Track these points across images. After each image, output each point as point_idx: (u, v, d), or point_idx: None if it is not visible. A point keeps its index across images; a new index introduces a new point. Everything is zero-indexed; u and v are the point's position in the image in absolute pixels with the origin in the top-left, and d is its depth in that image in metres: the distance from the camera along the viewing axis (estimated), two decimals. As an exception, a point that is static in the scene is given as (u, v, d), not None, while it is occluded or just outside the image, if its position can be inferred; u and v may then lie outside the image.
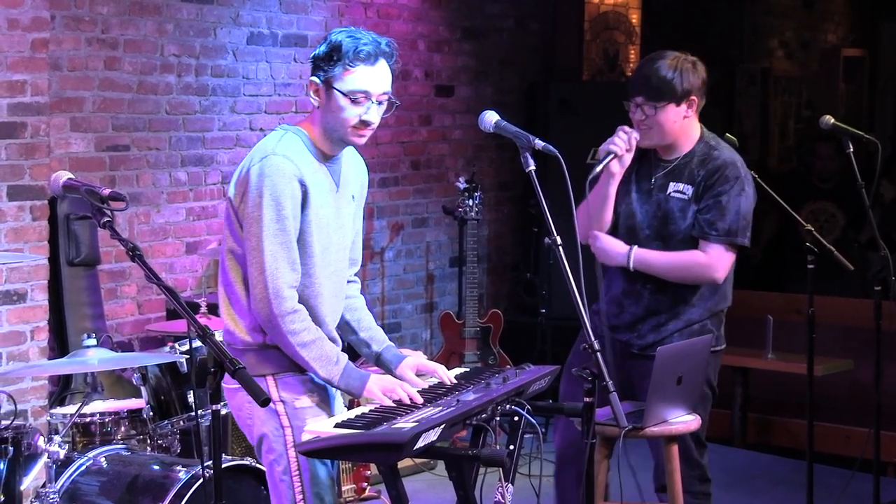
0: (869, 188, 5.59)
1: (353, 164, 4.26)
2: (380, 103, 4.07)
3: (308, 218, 4.04)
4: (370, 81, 4.03)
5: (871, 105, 12.97)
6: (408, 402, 4.04)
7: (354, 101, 4.02)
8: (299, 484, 4.05)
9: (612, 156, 5.02)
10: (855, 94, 12.83)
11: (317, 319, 4.10)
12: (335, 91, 4.02)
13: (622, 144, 5.02)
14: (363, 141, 4.11)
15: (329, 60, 4.01)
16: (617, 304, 5.20)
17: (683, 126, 5.08)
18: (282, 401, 4.06)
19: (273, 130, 4.16)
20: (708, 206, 5.04)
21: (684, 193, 5.08)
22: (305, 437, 3.88)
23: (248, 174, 4.00)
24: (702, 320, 5.18)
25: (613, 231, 5.16)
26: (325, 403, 4.15)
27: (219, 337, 4.60)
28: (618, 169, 5.05)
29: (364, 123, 4.06)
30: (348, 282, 4.37)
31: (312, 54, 4.09)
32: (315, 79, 4.05)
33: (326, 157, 4.12)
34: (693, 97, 5.05)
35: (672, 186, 5.10)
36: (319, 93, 4.06)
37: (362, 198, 4.35)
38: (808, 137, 11.33)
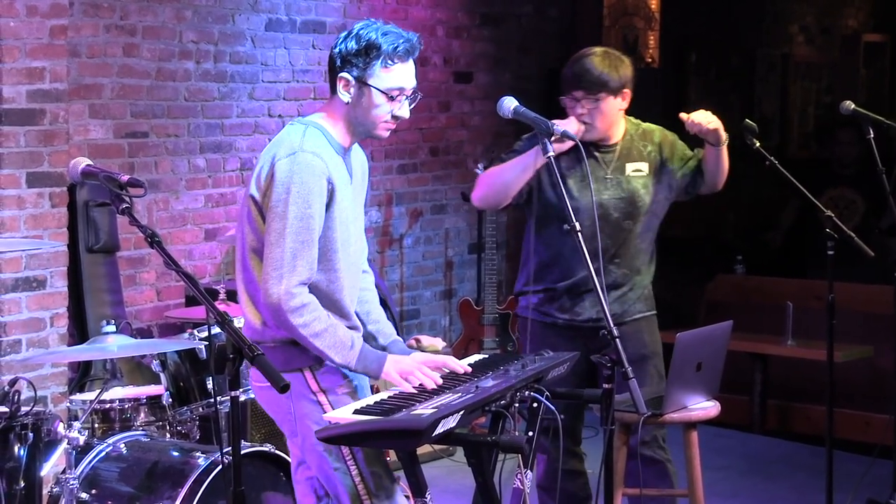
0: (890, 174, 5.57)
1: (356, 153, 4.28)
2: (408, 97, 4.11)
3: (333, 215, 4.04)
4: (406, 78, 4.09)
5: (892, 90, 12.91)
6: (427, 384, 4.04)
7: (391, 98, 4.06)
8: (355, 467, 4.05)
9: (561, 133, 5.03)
10: (876, 80, 12.78)
11: (341, 312, 4.10)
12: (371, 88, 4.04)
13: (576, 128, 5.09)
14: (388, 134, 4.16)
15: (365, 57, 4.02)
16: (582, 285, 5.21)
17: (617, 118, 5.24)
18: (323, 391, 4.06)
19: (290, 124, 4.14)
20: (683, 161, 5.29)
21: (641, 171, 5.26)
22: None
23: (274, 169, 3.98)
24: (650, 285, 5.39)
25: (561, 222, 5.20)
26: (362, 386, 4.17)
27: (238, 324, 4.62)
28: (542, 162, 5.07)
29: (396, 118, 4.11)
30: (363, 272, 4.37)
31: (339, 50, 4.06)
32: (346, 75, 4.05)
33: (343, 150, 4.13)
34: (626, 90, 5.20)
35: (629, 167, 5.26)
36: (350, 88, 4.06)
37: (366, 185, 4.36)
38: (828, 123, 11.29)
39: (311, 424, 4.05)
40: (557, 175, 4.28)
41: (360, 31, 4.05)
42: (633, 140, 5.29)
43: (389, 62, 4.03)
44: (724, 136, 5.16)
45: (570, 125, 5.07)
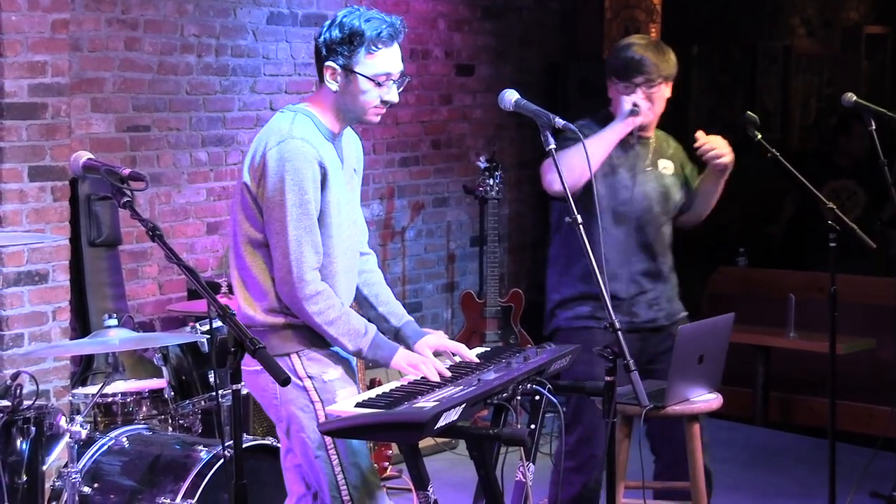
0: (891, 166, 5.57)
1: (349, 139, 4.30)
2: (396, 82, 4.11)
3: (327, 199, 4.07)
4: (392, 63, 4.10)
5: (894, 83, 12.89)
6: (434, 377, 4.06)
7: (378, 84, 4.07)
8: (336, 457, 4.08)
9: (637, 109, 5.09)
10: (877, 72, 12.76)
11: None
12: (358, 75, 4.06)
13: (644, 105, 5.12)
14: (379, 119, 4.17)
15: (349, 45, 4.05)
16: (636, 285, 5.23)
17: (663, 108, 5.27)
18: (309, 377, 4.09)
19: (280, 111, 4.18)
20: (692, 176, 5.41)
21: (669, 169, 5.33)
22: (320, 414, 3.90)
23: (265, 158, 4.02)
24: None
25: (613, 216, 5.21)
26: (351, 374, 4.19)
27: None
28: (630, 128, 5.12)
29: (385, 103, 4.12)
30: (363, 254, 4.38)
31: (323, 39, 4.09)
32: (332, 63, 4.08)
33: (332, 136, 4.16)
34: (672, 80, 5.24)
35: (661, 163, 5.33)
36: (336, 76, 4.08)
37: (361, 170, 4.38)
38: (830, 115, 11.28)
39: (296, 410, 4.10)
40: (559, 167, 4.26)
41: (343, 19, 4.07)
42: (660, 138, 5.36)
43: (374, 48, 4.05)
44: (730, 166, 5.25)
45: (637, 99, 5.13)
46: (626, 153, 5.21)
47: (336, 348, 4.15)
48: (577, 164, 4.86)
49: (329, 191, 4.07)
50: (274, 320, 4.08)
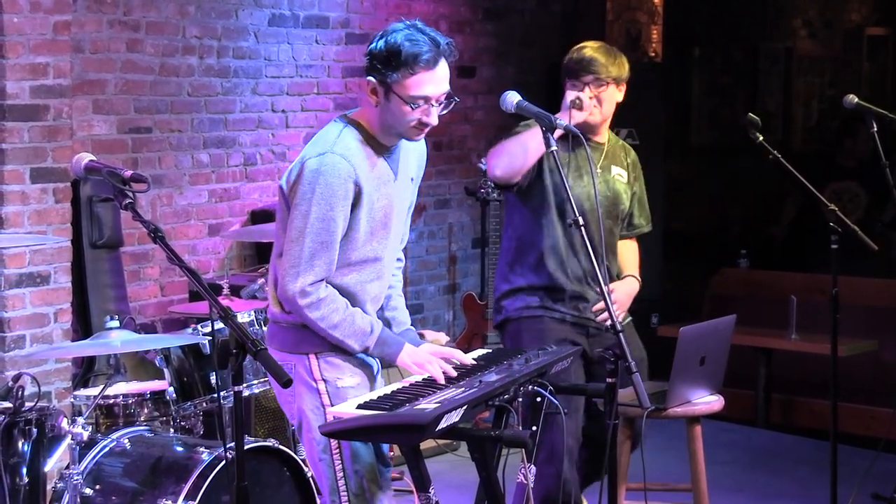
0: (893, 168, 5.57)
1: (410, 145, 4.22)
2: (439, 103, 4.03)
3: (359, 216, 4.03)
4: (431, 87, 3.98)
5: (895, 84, 12.90)
6: (439, 377, 4.06)
7: (415, 107, 3.99)
8: (339, 462, 4.07)
9: (579, 102, 5.08)
10: (879, 74, 12.76)
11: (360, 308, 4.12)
12: (395, 95, 3.97)
13: (587, 101, 5.10)
14: (421, 137, 4.12)
15: (388, 63, 3.94)
16: (578, 282, 5.21)
17: (612, 111, 5.26)
18: (324, 380, 4.08)
19: (333, 121, 4.12)
20: (636, 207, 5.42)
21: (622, 177, 5.33)
22: (328, 418, 3.89)
23: (304, 166, 3.99)
24: None
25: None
26: (369, 382, 4.18)
27: (242, 318, 4.61)
28: (574, 121, 5.08)
29: (423, 125, 4.04)
30: (397, 259, 4.37)
31: (369, 50, 4.00)
32: (372, 79, 4.00)
33: (385, 149, 4.10)
34: (624, 85, 5.24)
35: (614, 170, 5.31)
36: (377, 92, 4.01)
37: (420, 176, 4.34)
38: (831, 117, 11.29)
39: (307, 410, 4.10)
40: (561, 168, 4.27)
41: (389, 35, 3.97)
42: (615, 147, 5.35)
43: (411, 72, 3.94)
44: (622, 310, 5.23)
45: (582, 96, 5.11)
46: (575, 153, 5.16)
47: (360, 354, 4.13)
48: (517, 151, 5.02)
49: (363, 209, 4.03)
50: (296, 319, 4.08)
